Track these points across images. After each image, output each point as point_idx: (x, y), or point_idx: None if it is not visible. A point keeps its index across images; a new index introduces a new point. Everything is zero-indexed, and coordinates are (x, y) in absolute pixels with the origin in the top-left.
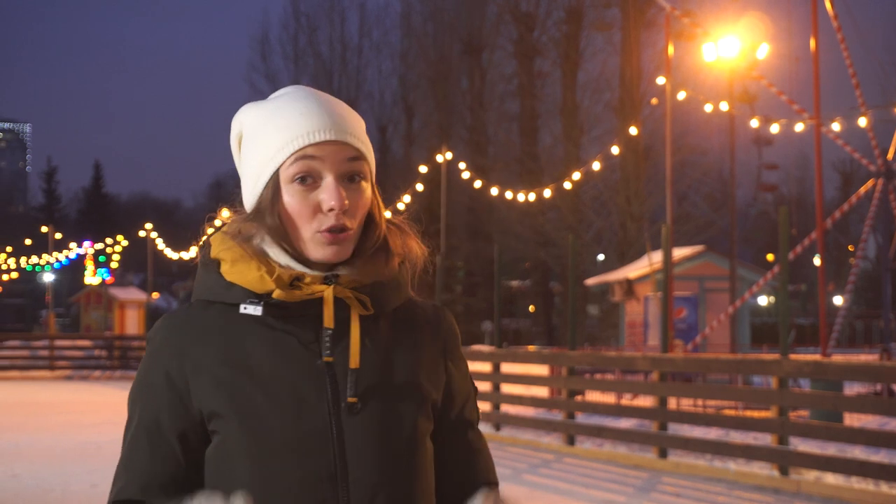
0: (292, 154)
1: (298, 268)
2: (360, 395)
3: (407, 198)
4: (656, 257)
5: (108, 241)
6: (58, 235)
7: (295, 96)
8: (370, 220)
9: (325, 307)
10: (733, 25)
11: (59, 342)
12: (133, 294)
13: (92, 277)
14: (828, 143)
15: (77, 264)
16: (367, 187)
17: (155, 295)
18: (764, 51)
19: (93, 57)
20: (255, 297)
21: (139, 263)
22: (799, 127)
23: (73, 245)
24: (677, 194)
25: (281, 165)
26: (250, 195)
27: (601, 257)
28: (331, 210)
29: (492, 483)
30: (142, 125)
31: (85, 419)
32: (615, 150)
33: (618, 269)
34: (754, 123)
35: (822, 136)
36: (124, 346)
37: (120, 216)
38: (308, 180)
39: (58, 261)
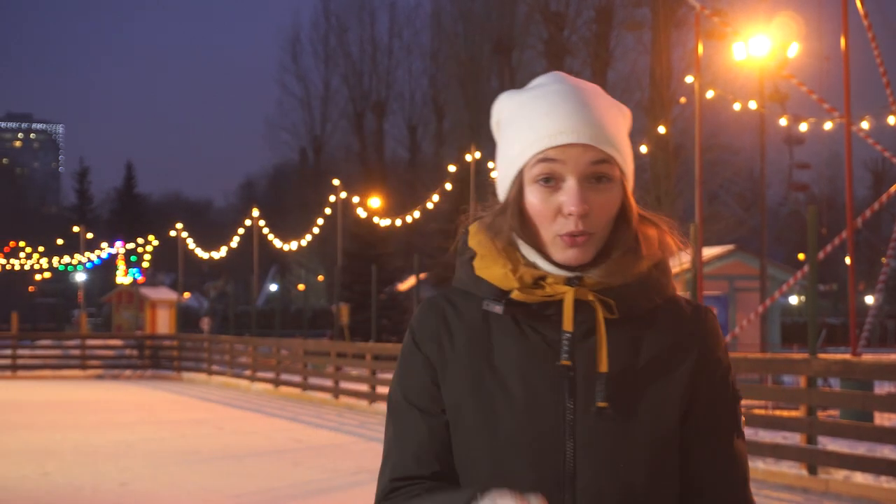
0: (534, 156)
1: (545, 266)
2: (599, 400)
3: (436, 197)
4: (686, 257)
5: (140, 241)
6: (89, 235)
7: (546, 90)
8: (622, 221)
9: (564, 309)
10: (764, 24)
11: (90, 342)
12: (164, 294)
13: (123, 277)
14: (859, 143)
15: (109, 264)
16: (613, 188)
17: (186, 295)
18: (794, 50)
19: (125, 58)
20: (499, 294)
21: (170, 263)
22: (828, 125)
23: (104, 245)
24: (708, 194)
25: (525, 165)
26: (501, 189)
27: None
28: (570, 214)
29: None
30: (174, 126)
31: (116, 418)
32: (644, 149)
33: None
34: (783, 122)
35: (853, 135)
36: (155, 346)
37: (151, 216)
38: (551, 182)
39: (90, 260)
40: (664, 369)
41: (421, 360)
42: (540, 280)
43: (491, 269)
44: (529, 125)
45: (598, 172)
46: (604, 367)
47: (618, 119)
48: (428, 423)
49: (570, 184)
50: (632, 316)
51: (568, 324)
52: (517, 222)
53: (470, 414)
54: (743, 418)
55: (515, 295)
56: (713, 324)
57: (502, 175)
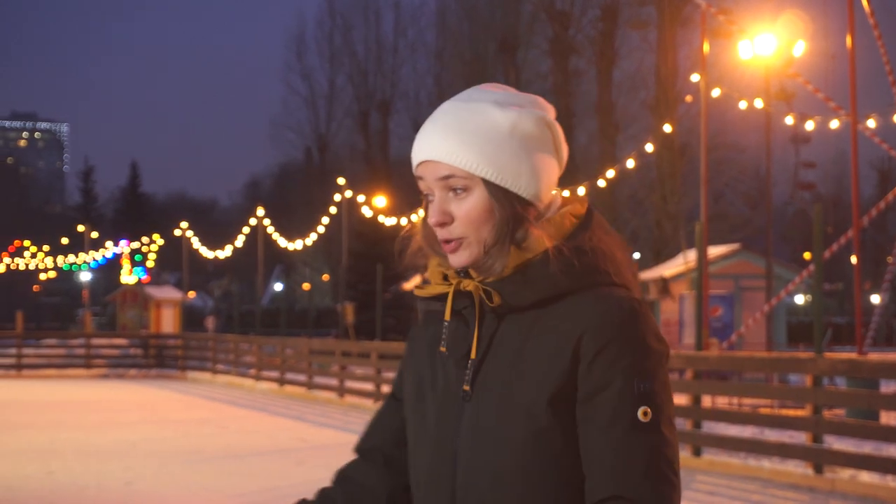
0: (415, 174)
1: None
2: (474, 385)
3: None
4: (692, 256)
5: (144, 240)
6: (94, 235)
7: (431, 116)
8: (498, 221)
9: (447, 301)
10: (769, 23)
11: (95, 341)
12: (169, 293)
13: (128, 276)
14: (866, 142)
15: (113, 263)
16: (471, 196)
17: (191, 294)
18: (800, 48)
19: (130, 57)
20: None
21: (175, 263)
22: (834, 124)
23: (109, 244)
24: (713, 192)
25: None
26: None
27: (637, 256)
28: (433, 224)
29: (612, 498)
30: (179, 125)
31: (120, 417)
32: (650, 147)
33: (653, 267)
34: (789, 120)
35: (859, 133)
36: (160, 345)
37: (156, 215)
38: (429, 196)
39: (94, 260)
40: (536, 361)
41: (405, 351)
42: (445, 276)
43: (429, 269)
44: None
45: (450, 185)
46: (473, 353)
47: (486, 131)
48: (388, 405)
49: (434, 198)
50: (517, 308)
51: (447, 313)
52: (423, 231)
53: (407, 400)
54: (644, 409)
55: (416, 291)
56: (608, 312)
57: None
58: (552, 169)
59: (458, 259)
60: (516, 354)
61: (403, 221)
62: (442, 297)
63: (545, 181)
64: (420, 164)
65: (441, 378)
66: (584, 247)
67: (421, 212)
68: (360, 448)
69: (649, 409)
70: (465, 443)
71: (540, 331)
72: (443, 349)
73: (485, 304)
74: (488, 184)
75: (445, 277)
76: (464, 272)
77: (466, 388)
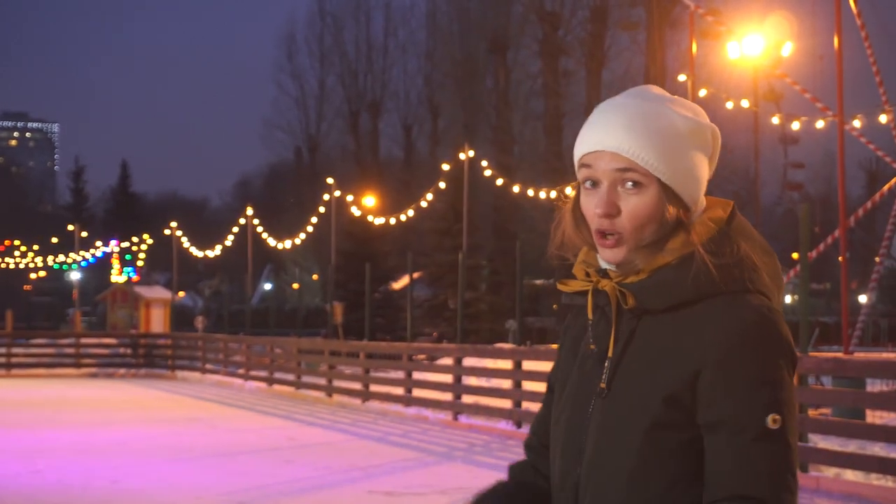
0: (578, 161)
1: (600, 262)
2: (607, 383)
3: (430, 196)
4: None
5: (135, 239)
6: (84, 234)
7: (607, 104)
8: (660, 222)
9: (588, 299)
10: (758, 24)
11: (85, 340)
12: (159, 293)
13: (118, 276)
14: (854, 142)
15: (104, 263)
16: (643, 194)
17: (181, 294)
18: (788, 49)
19: (121, 57)
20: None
21: (165, 262)
22: (821, 124)
23: (99, 244)
24: None
25: (577, 170)
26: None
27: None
28: (596, 214)
29: (733, 497)
30: (169, 125)
31: (109, 416)
32: None
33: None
34: (776, 121)
35: (847, 134)
36: (149, 345)
37: (147, 215)
38: (594, 185)
39: (85, 259)
40: (666, 358)
41: (560, 344)
42: (588, 274)
43: (576, 264)
44: (580, 135)
45: (624, 179)
46: (610, 351)
47: (670, 130)
48: (547, 398)
49: (602, 188)
50: (652, 310)
51: (589, 311)
52: (572, 221)
53: (557, 393)
54: (773, 416)
55: (559, 286)
56: (738, 321)
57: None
58: (708, 176)
59: (613, 255)
60: (650, 354)
61: (392, 221)
62: (583, 293)
63: (704, 188)
64: (593, 151)
65: (577, 373)
66: (724, 252)
67: (571, 197)
68: (529, 444)
69: (778, 417)
70: (591, 438)
71: (673, 333)
72: (592, 346)
73: (621, 304)
74: (662, 185)
75: (587, 274)
76: (602, 270)
77: (603, 385)
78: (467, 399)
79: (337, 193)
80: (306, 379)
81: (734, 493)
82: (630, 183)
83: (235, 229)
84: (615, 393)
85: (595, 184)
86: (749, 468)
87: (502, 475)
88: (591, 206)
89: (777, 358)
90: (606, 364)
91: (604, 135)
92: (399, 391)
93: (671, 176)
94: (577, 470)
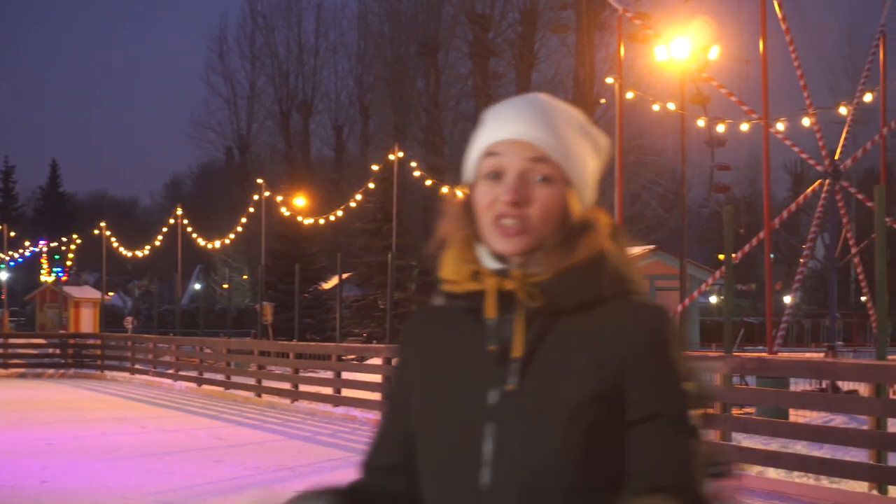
0: (483, 150)
1: (487, 261)
2: (518, 384)
3: (360, 196)
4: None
5: (64, 239)
6: (12, 234)
7: (511, 101)
8: (562, 221)
9: (487, 299)
10: (684, 27)
11: (13, 340)
12: (88, 293)
13: (47, 276)
14: (779, 145)
15: (32, 263)
16: (552, 188)
17: (110, 294)
18: (715, 53)
19: (49, 56)
20: (443, 287)
21: (94, 262)
22: (745, 127)
23: (28, 243)
24: (630, 194)
25: (477, 162)
26: (464, 183)
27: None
28: (504, 201)
29: (676, 485)
30: (99, 124)
31: (38, 416)
32: None
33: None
34: (702, 123)
35: (772, 136)
36: (78, 345)
37: (77, 215)
38: (496, 177)
39: (13, 259)
40: (583, 361)
41: (400, 353)
42: (477, 273)
43: (448, 263)
44: (486, 128)
45: (536, 170)
46: (518, 351)
47: (573, 133)
48: (394, 416)
49: (510, 176)
50: (562, 309)
51: (490, 311)
52: (463, 215)
53: (422, 403)
54: (696, 412)
55: (445, 286)
56: (650, 320)
57: (465, 174)
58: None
59: (515, 243)
60: (557, 354)
61: (322, 222)
62: (474, 295)
63: (594, 196)
64: (505, 140)
65: (459, 380)
66: (620, 255)
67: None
68: (373, 465)
69: (695, 413)
70: (498, 443)
71: (583, 333)
72: (492, 348)
73: (526, 303)
74: (569, 184)
75: (475, 274)
76: (503, 270)
77: (511, 387)
78: None
79: (267, 194)
80: (236, 379)
81: (675, 482)
82: (540, 176)
83: (165, 229)
84: (528, 394)
85: (498, 175)
86: (682, 458)
87: None
88: (491, 196)
89: (684, 357)
90: (513, 365)
91: (518, 125)
92: (328, 391)
93: (578, 177)
94: (479, 478)
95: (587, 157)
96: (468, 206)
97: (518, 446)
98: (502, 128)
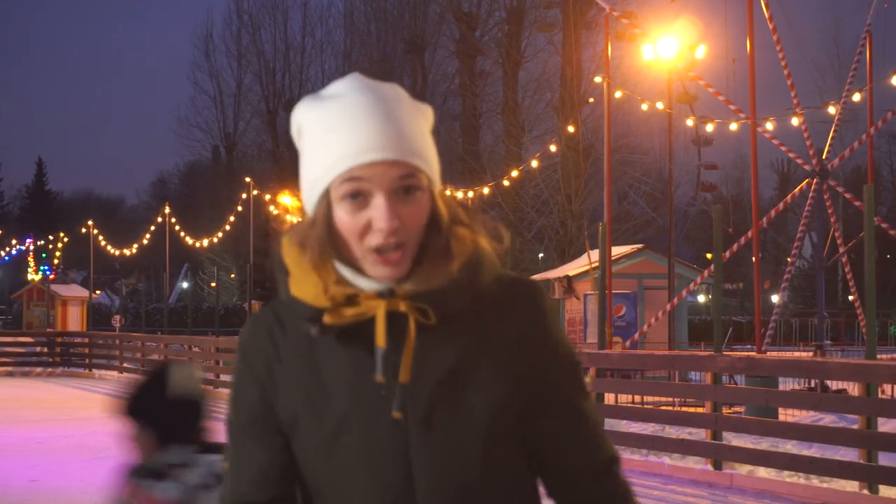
0: (340, 175)
1: (358, 281)
2: (421, 410)
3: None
4: (595, 255)
5: (51, 237)
6: None
7: (347, 102)
8: (432, 226)
9: (377, 325)
10: (671, 26)
11: (0, 339)
12: (75, 291)
13: (34, 274)
14: (766, 144)
15: (19, 261)
16: (422, 198)
17: (97, 292)
18: (702, 51)
19: (35, 54)
20: (315, 313)
21: (82, 260)
22: (733, 126)
23: (14, 242)
24: (617, 193)
25: (331, 184)
26: (308, 202)
27: (542, 255)
28: (380, 230)
29: (592, 468)
30: (86, 122)
31: (26, 415)
32: (553, 148)
33: (558, 266)
34: (689, 123)
35: (759, 136)
36: (66, 343)
37: (63, 213)
38: (359, 198)
39: None
40: (486, 361)
41: (251, 379)
42: (353, 297)
43: (303, 287)
44: (334, 142)
45: (405, 185)
46: (405, 377)
47: (420, 124)
48: (262, 446)
49: (379, 200)
50: (450, 318)
51: (380, 339)
52: (326, 239)
53: (306, 431)
54: (588, 379)
55: (327, 318)
56: (530, 295)
57: (307, 190)
58: None
59: (397, 270)
60: (456, 365)
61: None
62: (354, 322)
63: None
64: (365, 164)
65: (377, 407)
66: (484, 241)
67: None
68: (252, 501)
69: (589, 380)
70: (422, 476)
71: (473, 330)
72: (380, 378)
73: (408, 320)
74: (431, 185)
75: (350, 297)
76: (388, 290)
77: (397, 415)
78: None
79: (255, 192)
80: (224, 377)
81: (609, 456)
82: (407, 189)
83: (153, 228)
84: (427, 419)
85: (361, 196)
86: (598, 430)
87: None
88: (359, 223)
89: (559, 321)
90: (400, 390)
91: (377, 140)
92: None
93: (435, 175)
94: None
95: (432, 144)
96: (328, 228)
97: (439, 473)
98: (358, 146)
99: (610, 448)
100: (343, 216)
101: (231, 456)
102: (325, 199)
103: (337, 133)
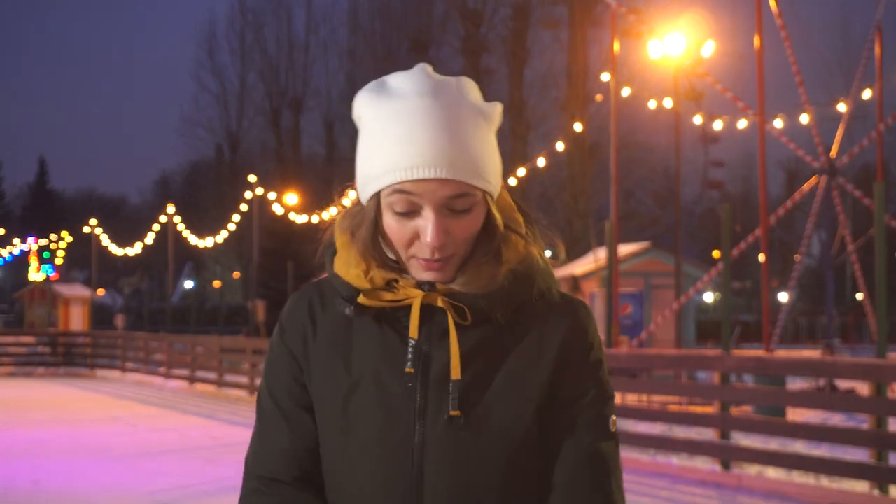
0: (390, 185)
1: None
2: (444, 407)
3: (353, 193)
4: (602, 254)
5: (53, 237)
6: (1, 231)
7: (407, 106)
8: (484, 234)
9: (411, 316)
10: (679, 23)
11: (2, 339)
12: (78, 290)
13: (36, 274)
14: (774, 142)
15: (21, 261)
16: (474, 213)
17: (100, 291)
18: (709, 48)
19: (37, 53)
20: (353, 293)
21: (84, 260)
22: (742, 123)
23: (16, 241)
24: (624, 191)
25: (382, 190)
26: (361, 193)
27: (548, 254)
28: (427, 245)
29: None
30: (88, 121)
31: (28, 416)
32: (560, 146)
33: (564, 265)
34: (697, 120)
35: (767, 133)
36: (68, 343)
37: (65, 212)
38: (403, 212)
39: (1, 257)
40: (521, 374)
41: (286, 355)
42: (393, 282)
43: (347, 268)
44: (387, 150)
45: (455, 204)
46: (456, 374)
47: (482, 132)
48: (291, 425)
49: (428, 214)
50: (490, 323)
51: (413, 331)
52: (370, 240)
53: (329, 413)
54: (613, 418)
55: (361, 299)
56: (580, 318)
57: (361, 184)
58: None
59: (438, 276)
60: (487, 371)
61: (314, 219)
62: (396, 306)
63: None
64: (417, 179)
65: (379, 399)
66: (541, 254)
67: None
68: (277, 478)
69: (615, 419)
70: (435, 473)
71: (509, 348)
72: (410, 370)
73: (446, 317)
74: (487, 197)
75: (389, 283)
76: (429, 283)
77: (455, 412)
78: None
79: (259, 191)
80: (228, 377)
81: (591, 498)
82: (461, 207)
83: (156, 227)
84: (473, 420)
85: (410, 209)
86: (600, 470)
87: None
88: (407, 234)
89: (604, 358)
90: (454, 387)
91: (431, 157)
92: None
93: (494, 185)
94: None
95: (495, 150)
96: (374, 229)
97: (457, 473)
98: (409, 160)
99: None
100: (391, 222)
101: (263, 428)
102: (375, 201)
103: (393, 141)
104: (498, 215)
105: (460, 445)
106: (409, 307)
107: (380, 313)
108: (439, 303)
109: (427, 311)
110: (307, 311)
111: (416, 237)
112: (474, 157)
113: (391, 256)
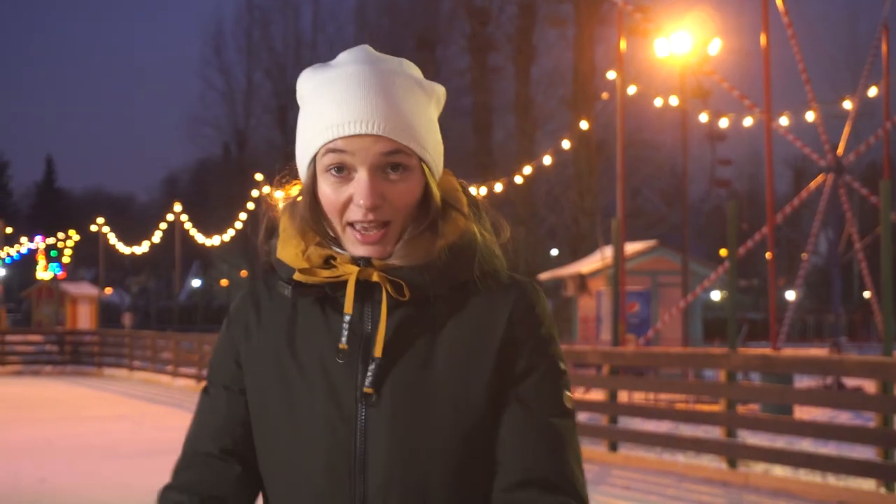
0: (323, 145)
1: (336, 248)
2: (381, 386)
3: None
4: (609, 252)
5: (60, 235)
6: (9, 230)
7: (342, 73)
8: (423, 207)
9: (347, 291)
10: (685, 21)
11: (9, 337)
12: (85, 289)
13: (43, 272)
14: (781, 140)
15: (29, 259)
16: (410, 177)
17: (107, 290)
18: (716, 46)
19: (45, 51)
20: (291, 273)
21: (91, 258)
22: (748, 121)
23: (24, 240)
24: (630, 189)
25: (316, 154)
26: (300, 172)
27: (554, 252)
28: (360, 206)
29: (536, 480)
30: (95, 120)
31: (35, 414)
32: (566, 144)
33: (571, 263)
34: (704, 118)
35: (774, 131)
36: (76, 342)
37: (73, 211)
38: (343, 172)
39: (9, 255)
40: (465, 351)
41: (228, 341)
42: (330, 259)
43: (286, 249)
44: (321, 111)
45: (391, 162)
46: (378, 351)
47: (419, 102)
48: (226, 400)
49: (361, 175)
50: (429, 298)
51: (349, 306)
52: (309, 210)
53: (272, 397)
54: (568, 394)
55: (297, 276)
56: (527, 294)
57: (299, 158)
58: None
59: (377, 250)
60: (429, 349)
61: None
62: (329, 284)
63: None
64: (349, 136)
65: (321, 377)
66: (485, 224)
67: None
68: (202, 451)
69: (569, 395)
70: (378, 452)
71: (456, 320)
72: (343, 346)
73: (388, 294)
74: (424, 165)
75: (327, 260)
76: (365, 259)
77: (368, 390)
78: None
79: (266, 189)
80: None
81: (546, 474)
82: (395, 168)
83: (163, 225)
84: (395, 397)
85: (344, 170)
86: (555, 446)
87: None
88: (341, 197)
89: (557, 335)
90: (372, 365)
91: (363, 113)
92: None
93: (432, 155)
94: (357, 486)
95: (434, 126)
96: (311, 199)
97: (397, 452)
98: (343, 118)
99: (574, 479)
100: (326, 189)
101: (199, 406)
102: (311, 170)
103: (326, 103)
104: (435, 188)
105: (399, 424)
106: (346, 284)
107: (322, 295)
108: (375, 277)
109: (367, 288)
110: (251, 301)
111: (349, 201)
112: (409, 120)
113: (331, 233)
